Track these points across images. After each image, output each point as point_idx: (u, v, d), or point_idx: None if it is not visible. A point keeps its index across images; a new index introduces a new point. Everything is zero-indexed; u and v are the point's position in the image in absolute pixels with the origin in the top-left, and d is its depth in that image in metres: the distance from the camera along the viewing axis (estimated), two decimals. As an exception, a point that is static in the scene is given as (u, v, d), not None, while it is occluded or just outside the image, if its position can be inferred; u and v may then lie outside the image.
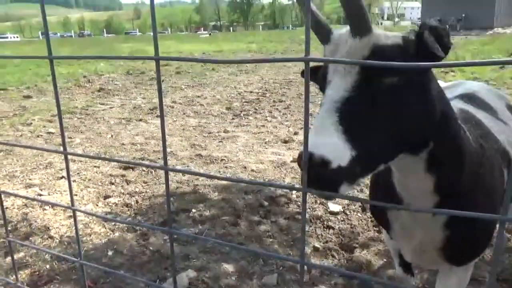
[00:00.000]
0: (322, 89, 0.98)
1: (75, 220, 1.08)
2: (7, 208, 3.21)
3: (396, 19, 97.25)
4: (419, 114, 0.96)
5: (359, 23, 0.89)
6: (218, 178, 0.88)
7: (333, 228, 2.91)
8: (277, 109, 6.98)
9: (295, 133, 5.37)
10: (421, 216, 1.25)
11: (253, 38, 31.01)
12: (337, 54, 0.94)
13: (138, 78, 11.42)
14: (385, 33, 0.95)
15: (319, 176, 0.78)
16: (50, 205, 3.30)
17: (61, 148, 1.17)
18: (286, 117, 6.38)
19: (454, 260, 1.36)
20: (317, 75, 1.03)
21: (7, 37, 63.80)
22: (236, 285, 2.33)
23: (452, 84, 2.01)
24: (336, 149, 0.81)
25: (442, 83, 2.28)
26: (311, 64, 1.08)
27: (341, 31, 0.96)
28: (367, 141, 0.86)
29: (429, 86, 0.99)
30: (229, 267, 2.47)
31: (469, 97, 1.71)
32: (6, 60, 17.17)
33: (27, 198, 1.67)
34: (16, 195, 1.94)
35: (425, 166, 1.09)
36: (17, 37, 69.88)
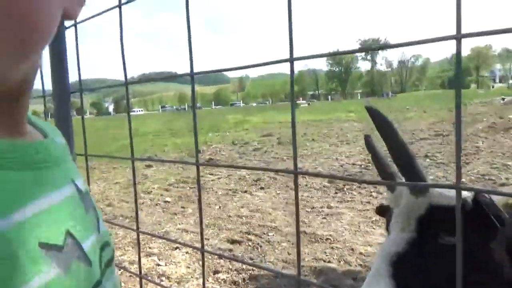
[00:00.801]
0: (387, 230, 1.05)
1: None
2: (131, 276, 3.52)
3: (511, 81, 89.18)
4: (477, 277, 0.90)
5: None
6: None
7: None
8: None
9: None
10: None
11: (352, 107, 31.11)
12: (396, 205, 1.00)
13: (243, 148, 12.13)
14: (443, 193, 0.97)
15: None
16: (166, 277, 3.54)
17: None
18: (393, 193, 6.05)
19: None
20: (384, 215, 1.10)
21: (134, 111, 74.87)
22: None
23: None
24: None
25: None
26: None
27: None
28: None
29: (492, 250, 0.93)
30: None
31: None
32: (134, 131, 19.84)
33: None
34: (157, 284, 2.13)
35: None
36: (142, 110, 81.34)
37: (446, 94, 45.59)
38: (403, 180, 1.00)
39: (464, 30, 0.50)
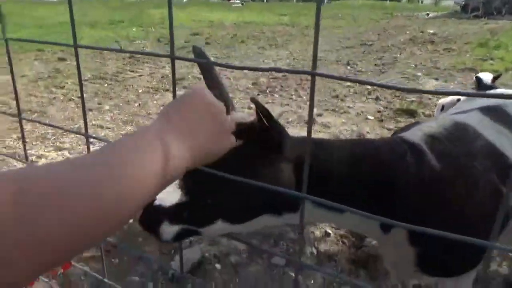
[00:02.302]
0: None
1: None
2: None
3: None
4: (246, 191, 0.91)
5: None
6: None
7: (346, 215, 2.95)
8: (303, 87, 6.92)
9: (319, 115, 5.34)
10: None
11: (287, 10, 30.29)
12: None
13: (168, 46, 11.49)
14: (248, 113, 1.02)
15: (144, 210, 0.86)
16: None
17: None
18: (311, 97, 6.32)
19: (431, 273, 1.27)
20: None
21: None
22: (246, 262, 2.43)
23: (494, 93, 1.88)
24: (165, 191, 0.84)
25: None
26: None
27: None
28: (202, 197, 0.91)
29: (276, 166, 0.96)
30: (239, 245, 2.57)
31: (490, 109, 1.57)
32: (44, 23, 17.56)
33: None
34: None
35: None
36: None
37: (380, 5, 46.02)
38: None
39: None
